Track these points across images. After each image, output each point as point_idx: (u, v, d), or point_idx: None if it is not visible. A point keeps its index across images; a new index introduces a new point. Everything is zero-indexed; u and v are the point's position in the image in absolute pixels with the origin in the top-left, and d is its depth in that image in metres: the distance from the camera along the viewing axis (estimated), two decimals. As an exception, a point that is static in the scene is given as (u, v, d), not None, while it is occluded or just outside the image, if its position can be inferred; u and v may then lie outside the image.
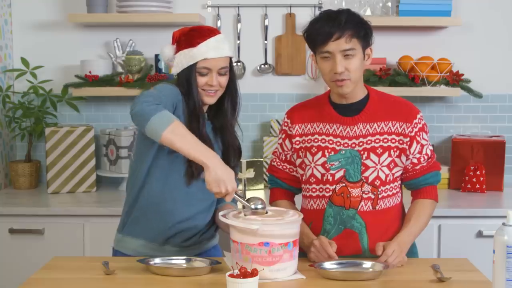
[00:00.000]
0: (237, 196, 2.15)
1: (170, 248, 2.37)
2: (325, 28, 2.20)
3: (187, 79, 2.31)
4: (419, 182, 2.36)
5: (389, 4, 3.55)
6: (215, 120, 2.42)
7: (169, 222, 2.34)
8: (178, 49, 2.33)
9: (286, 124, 2.40)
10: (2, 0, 3.58)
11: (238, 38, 3.66)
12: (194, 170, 2.28)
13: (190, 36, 2.32)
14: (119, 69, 3.62)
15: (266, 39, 3.67)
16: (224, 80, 2.34)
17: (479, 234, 3.09)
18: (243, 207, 2.13)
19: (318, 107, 2.36)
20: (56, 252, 2.69)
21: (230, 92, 2.41)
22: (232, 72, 2.39)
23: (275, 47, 3.68)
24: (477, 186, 3.42)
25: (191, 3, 3.67)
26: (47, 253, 2.78)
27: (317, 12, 3.62)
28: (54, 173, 3.41)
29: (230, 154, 2.43)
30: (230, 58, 2.37)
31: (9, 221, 3.11)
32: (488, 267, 2.01)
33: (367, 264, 2.14)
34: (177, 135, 2.09)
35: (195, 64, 2.29)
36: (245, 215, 2.11)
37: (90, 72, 3.50)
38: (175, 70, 2.35)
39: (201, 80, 2.31)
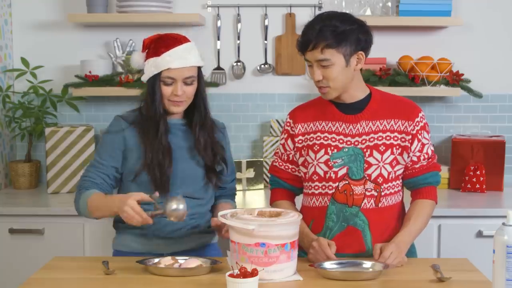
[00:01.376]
0: (156, 212, 2.17)
1: (158, 241, 2.37)
2: (303, 37, 2.23)
3: (151, 88, 2.32)
4: (418, 181, 2.36)
5: (389, 4, 3.55)
6: (190, 129, 2.43)
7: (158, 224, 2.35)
8: (147, 57, 2.34)
9: (288, 124, 2.40)
10: (2, 0, 3.58)
11: (238, 38, 3.66)
12: (159, 184, 2.31)
13: (156, 44, 2.33)
14: (119, 69, 3.62)
15: (266, 39, 3.67)
16: (190, 89, 2.34)
17: (479, 234, 3.09)
18: (164, 211, 2.16)
19: (320, 106, 2.36)
20: (56, 252, 2.69)
21: (198, 105, 2.40)
22: (200, 82, 2.38)
23: (275, 47, 3.68)
24: (477, 186, 3.42)
25: (191, 3, 3.67)
26: (47, 253, 2.78)
27: (317, 12, 3.62)
28: (54, 173, 3.41)
29: (213, 163, 2.43)
30: (199, 68, 2.36)
31: (9, 221, 3.11)
32: (488, 267, 2.01)
33: (367, 264, 2.14)
34: (96, 210, 2.28)
35: (160, 73, 2.30)
36: (169, 215, 2.15)
37: (90, 72, 3.50)
38: (144, 77, 2.37)
39: (166, 90, 2.31)
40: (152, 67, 2.31)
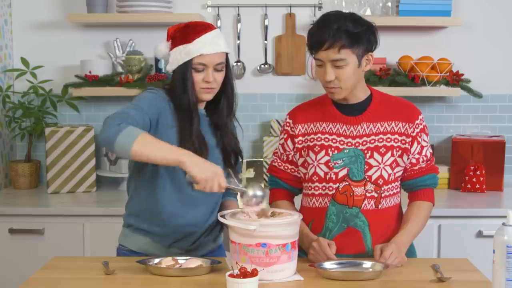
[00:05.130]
0: (233, 186, 2.12)
1: (176, 250, 2.35)
2: (317, 36, 2.21)
3: (182, 76, 2.28)
4: (416, 183, 2.36)
5: (389, 4, 3.55)
6: (212, 118, 2.40)
7: (175, 225, 2.33)
8: (174, 46, 2.31)
9: (288, 124, 2.40)
10: (2, 0, 3.58)
11: (238, 38, 3.66)
12: None
13: (185, 32, 2.30)
14: (119, 69, 3.62)
15: (266, 39, 3.67)
16: (220, 76, 2.32)
17: (479, 234, 3.09)
18: (241, 195, 2.11)
19: (320, 106, 2.36)
20: (56, 252, 2.70)
21: (226, 90, 2.38)
22: (228, 69, 2.36)
23: (275, 47, 3.68)
24: (477, 186, 3.42)
25: (191, 3, 3.67)
26: (47, 253, 2.78)
27: (317, 12, 3.63)
28: (54, 173, 3.41)
29: (228, 153, 2.41)
30: (226, 54, 2.34)
31: (9, 221, 3.11)
32: (488, 267, 2.01)
33: (367, 264, 2.14)
34: (146, 146, 2.07)
35: (191, 60, 2.27)
36: (246, 202, 2.10)
37: (90, 72, 3.50)
38: (170, 67, 2.33)
39: (197, 77, 2.28)
40: (182, 54, 2.28)
